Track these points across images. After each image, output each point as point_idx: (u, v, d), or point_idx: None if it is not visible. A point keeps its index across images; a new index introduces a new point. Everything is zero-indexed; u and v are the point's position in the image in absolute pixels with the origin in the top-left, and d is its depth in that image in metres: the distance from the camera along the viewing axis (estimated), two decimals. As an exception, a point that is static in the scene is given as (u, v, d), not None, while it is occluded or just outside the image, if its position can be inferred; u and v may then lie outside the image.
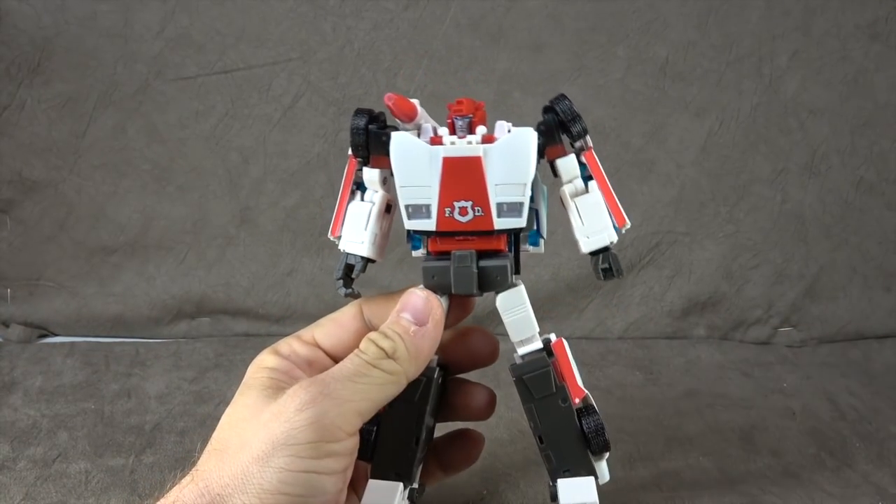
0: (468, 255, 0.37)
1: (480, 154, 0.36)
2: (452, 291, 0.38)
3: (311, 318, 0.43)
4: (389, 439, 0.40)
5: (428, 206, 0.37)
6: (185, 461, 0.54)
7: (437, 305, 0.38)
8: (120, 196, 0.78)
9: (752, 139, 0.81)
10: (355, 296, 0.40)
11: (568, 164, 0.39)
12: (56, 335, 0.77)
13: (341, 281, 0.40)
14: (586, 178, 0.39)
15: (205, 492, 0.33)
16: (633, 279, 0.81)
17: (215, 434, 0.36)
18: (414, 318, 0.37)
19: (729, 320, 0.81)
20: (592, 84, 0.80)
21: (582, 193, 0.39)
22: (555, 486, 0.39)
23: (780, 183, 0.82)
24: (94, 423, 0.60)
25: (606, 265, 0.39)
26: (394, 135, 0.37)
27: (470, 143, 0.36)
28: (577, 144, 0.40)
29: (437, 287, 0.38)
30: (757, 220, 0.82)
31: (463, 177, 0.36)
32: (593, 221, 0.39)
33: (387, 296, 0.41)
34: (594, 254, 0.39)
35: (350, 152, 0.40)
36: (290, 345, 0.40)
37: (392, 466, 0.39)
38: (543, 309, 0.79)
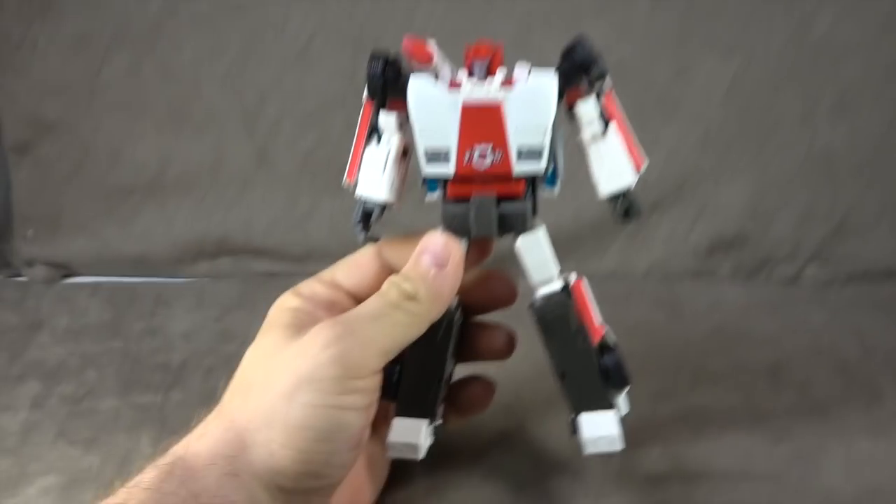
0: (487, 199, 0.37)
1: (500, 99, 0.36)
2: (472, 234, 0.38)
3: (331, 258, 0.43)
4: (413, 378, 0.40)
5: (447, 151, 0.37)
6: (212, 398, 0.53)
7: (456, 248, 0.38)
8: (137, 136, 0.77)
9: (782, 77, 0.79)
10: (375, 240, 0.41)
11: (587, 108, 0.39)
12: (80, 275, 0.78)
13: (360, 226, 0.39)
14: (605, 120, 0.39)
15: (230, 426, 0.34)
16: (657, 218, 0.80)
17: (238, 372, 0.37)
18: (434, 260, 0.37)
19: (755, 259, 0.80)
20: (616, 21, 0.78)
21: (600, 137, 0.39)
22: (575, 421, 0.40)
23: (810, 122, 0.80)
24: (121, 361, 0.60)
25: (626, 207, 0.39)
26: (411, 80, 0.37)
27: (490, 87, 0.37)
28: (596, 86, 0.40)
29: (456, 231, 0.38)
30: (785, 160, 0.80)
31: (482, 122, 0.36)
32: (612, 165, 0.39)
33: (404, 237, 0.41)
34: (613, 198, 0.39)
35: (365, 96, 0.39)
36: (311, 286, 0.40)
37: (416, 404, 0.40)
38: (566, 249, 0.78)
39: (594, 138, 0.39)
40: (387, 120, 0.39)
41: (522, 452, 0.49)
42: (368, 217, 0.39)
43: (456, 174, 0.37)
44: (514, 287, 0.43)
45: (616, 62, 0.77)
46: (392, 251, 0.41)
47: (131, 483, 0.32)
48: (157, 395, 0.55)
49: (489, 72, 0.37)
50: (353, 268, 0.42)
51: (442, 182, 0.39)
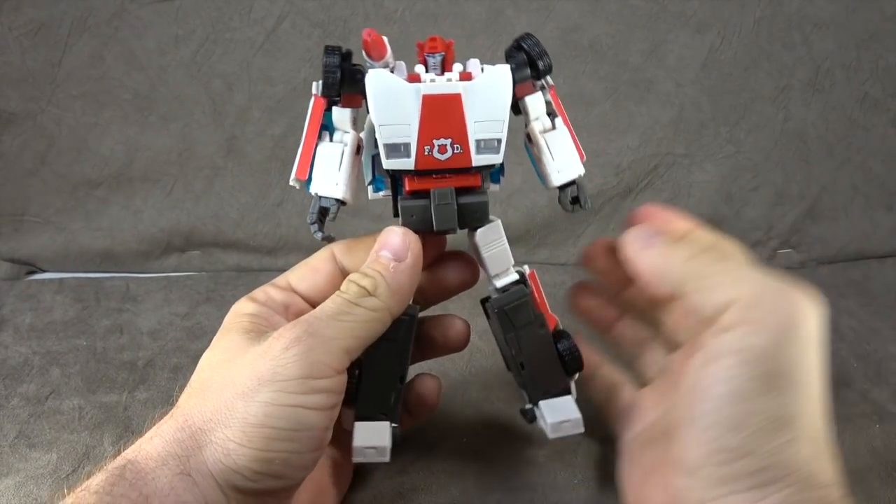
0: (448, 191, 0.37)
1: (460, 91, 0.36)
2: (434, 228, 0.38)
3: (302, 248, 0.43)
4: (373, 379, 0.39)
5: (407, 145, 0.37)
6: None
7: (414, 241, 0.38)
8: (101, 127, 0.76)
9: (755, 55, 0.78)
10: (331, 239, 0.40)
11: (536, 101, 0.40)
12: (44, 271, 0.76)
13: (316, 225, 0.39)
14: (550, 115, 0.40)
15: (184, 426, 0.33)
16: (631, 203, 0.79)
17: (195, 376, 0.36)
18: (393, 254, 0.37)
19: (728, 243, 0.80)
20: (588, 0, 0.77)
21: (549, 130, 0.40)
22: (533, 409, 0.42)
23: (783, 101, 0.79)
24: (86, 359, 0.59)
25: (575, 195, 0.40)
26: (371, 72, 0.37)
27: (449, 80, 0.37)
28: (541, 82, 0.41)
29: (415, 225, 0.38)
30: (758, 140, 0.80)
31: (443, 114, 0.36)
32: (563, 156, 0.40)
33: (358, 239, 0.41)
34: (563, 187, 0.40)
35: (315, 92, 0.39)
36: (266, 292, 0.40)
37: (378, 406, 0.40)
38: (540, 235, 0.78)
39: (543, 131, 0.40)
40: (340, 116, 0.39)
41: (489, 451, 0.49)
42: (324, 215, 0.39)
43: (416, 168, 0.37)
44: (477, 266, 0.43)
45: (588, 42, 0.77)
46: (345, 252, 0.41)
47: (80, 487, 0.32)
48: (121, 395, 0.54)
49: (444, 67, 0.38)
50: (308, 271, 0.41)
51: (392, 179, 0.40)
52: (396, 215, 0.40)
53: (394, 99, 0.36)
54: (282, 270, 0.43)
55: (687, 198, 0.79)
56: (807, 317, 0.33)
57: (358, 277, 0.36)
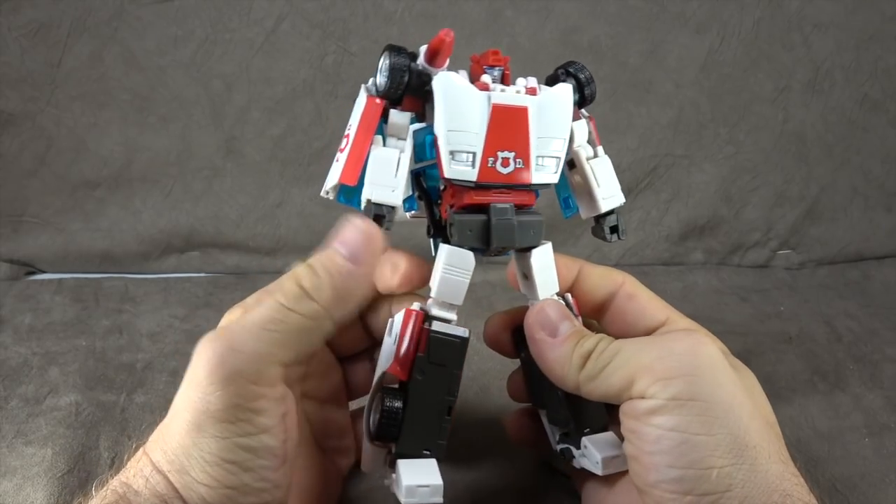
0: (509, 207, 0.36)
1: (528, 104, 0.35)
2: (493, 245, 0.35)
3: (302, 249, 0.41)
4: (418, 413, 0.35)
5: (473, 154, 0.35)
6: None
7: (376, 239, 0.34)
8: (100, 128, 0.76)
9: (754, 56, 0.78)
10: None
11: (581, 128, 0.40)
12: (43, 272, 0.76)
13: None
14: (591, 143, 0.40)
15: (157, 469, 0.31)
16: (630, 204, 0.79)
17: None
18: (349, 253, 0.33)
19: (727, 244, 0.80)
20: (588, 0, 0.77)
21: (592, 157, 0.39)
22: (570, 448, 0.39)
23: (782, 101, 0.79)
24: (85, 358, 0.59)
25: (614, 224, 0.39)
26: (442, 73, 0.35)
27: (518, 91, 0.36)
28: (585, 109, 0.40)
29: (470, 242, 0.36)
30: (757, 141, 0.80)
31: (510, 126, 0.35)
32: (608, 184, 0.39)
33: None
34: (601, 216, 0.39)
35: (370, 93, 0.36)
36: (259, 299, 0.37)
37: (421, 442, 0.35)
38: (546, 228, 0.78)
39: (588, 158, 0.39)
40: (400, 120, 0.36)
41: (489, 450, 0.49)
42: (379, 221, 0.35)
43: (478, 179, 0.35)
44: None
45: (588, 43, 0.77)
46: None
47: None
48: (119, 396, 0.54)
49: (502, 82, 0.36)
50: None
51: (426, 197, 0.38)
52: (431, 236, 0.39)
53: (465, 104, 0.35)
54: (281, 272, 0.40)
55: (686, 198, 0.79)
56: (697, 348, 0.33)
57: (301, 274, 0.32)
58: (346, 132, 0.36)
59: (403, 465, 0.34)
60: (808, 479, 0.32)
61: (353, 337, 0.40)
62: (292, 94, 0.77)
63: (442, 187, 0.38)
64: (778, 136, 0.80)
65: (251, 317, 0.32)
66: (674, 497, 0.31)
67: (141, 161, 0.77)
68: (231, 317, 0.36)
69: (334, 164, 0.37)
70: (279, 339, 0.31)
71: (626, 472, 0.36)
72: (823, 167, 0.80)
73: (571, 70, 0.38)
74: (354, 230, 0.34)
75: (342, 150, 0.36)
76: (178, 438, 0.30)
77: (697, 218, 0.79)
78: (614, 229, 0.39)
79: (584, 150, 0.39)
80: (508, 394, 0.44)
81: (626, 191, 0.77)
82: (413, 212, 0.39)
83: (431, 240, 0.40)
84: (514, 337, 0.41)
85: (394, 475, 0.35)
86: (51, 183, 0.76)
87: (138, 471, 0.31)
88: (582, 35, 0.77)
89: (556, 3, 0.76)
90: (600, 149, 0.40)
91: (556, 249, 0.80)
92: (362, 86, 0.37)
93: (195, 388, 0.30)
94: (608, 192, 0.39)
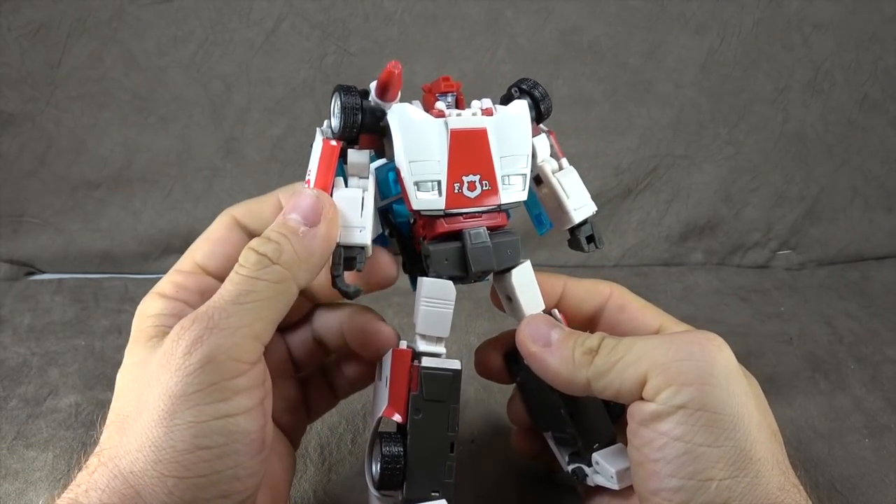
0: (481, 231, 0.35)
1: (486, 126, 0.35)
2: (472, 271, 0.35)
3: None
4: (421, 453, 0.34)
5: (437, 182, 0.34)
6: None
7: (329, 204, 0.33)
8: (100, 128, 0.76)
9: (754, 56, 0.78)
10: (359, 292, 0.35)
11: (542, 143, 0.39)
12: (43, 272, 0.76)
13: (341, 277, 0.34)
14: (553, 157, 0.40)
15: (115, 472, 0.29)
16: (629, 204, 0.79)
17: (112, 405, 0.33)
18: (304, 217, 0.32)
19: (727, 244, 0.80)
20: (588, 0, 0.77)
21: (558, 170, 0.39)
22: (581, 467, 0.38)
23: (782, 102, 0.79)
24: (84, 359, 0.59)
25: (590, 233, 0.39)
26: (395, 106, 0.35)
27: (474, 114, 0.35)
28: (543, 124, 0.40)
29: (448, 270, 0.35)
30: (757, 141, 0.80)
31: (471, 149, 0.35)
32: (577, 195, 0.38)
33: (260, 198, 0.38)
34: (576, 227, 0.39)
35: (325, 136, 0.36)
36: (174, 281, 0.36)
37: (429, 484, 0.34)
38: (537, 240, 0.78)
39: (554, 171, 0.39)
40: (359, 159, 0.36)
41: (488, 450, 0.49)
42: (350, 266, 0.34)
43: (446, 207, 0.34)
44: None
45: (588, 43, 0.77)
46: (250, 216, 0.37)
47: None
48: (120, 395, 0.54)
49: (457, 105, 0.36)
50: (210, 245, 0.37)
51: (397, 234, 0.38)
52: (407, 271, 0.38)
53: (422, 134, 0.34)
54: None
55: (686, 199, 0.79)
56: (714, 355, 0.32)
57: (258, 243, 0.32)
58: (307, 178, 0.35)
59: None
60: (808, 479, 0.33)
61: (295, 305, 0.37)
62: (292, 95, 0.77)
63: (411, 221, 0.38)
64: (778, 136, 0.80)
65: (222, 293, 0.31)
66: None
67: (141, 161, 0.77)
68: (145, 307, 0.35)
69: None
70: (253, 311, 0.31)
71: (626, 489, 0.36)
72: (823, 167, 0.80)
73: (525, 87, 0.38)
74: (305, 196, 0.33)
75: None
76: (145, 433, 0.29)
77: (697, 218, 0.79)
78: (590, 238, 0.39)
79: (548, 164, 0.39)
80: (510, 419, 0.43)
81: (626, 191, 0.78)
82: (387, 248, 0.38)
83: (408, 276, 0.39)
84: (506, 362, 0.41)
85: None
86: (51, 183, 0.76)
87: (87, 485, 0.30)
88: (582, 35, 0.77)
89: (556, 3, 0.76)
90: (564, 161, 0.39)
91: (544, 263, 0.81)
92: (317, 129, 0.36)
93: (171, 372, 0.29)
94: (579, 203, 0.38)
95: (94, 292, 0.70)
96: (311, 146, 0.36)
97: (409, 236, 0.38)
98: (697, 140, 0.79)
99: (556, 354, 0.35)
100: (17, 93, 0.74)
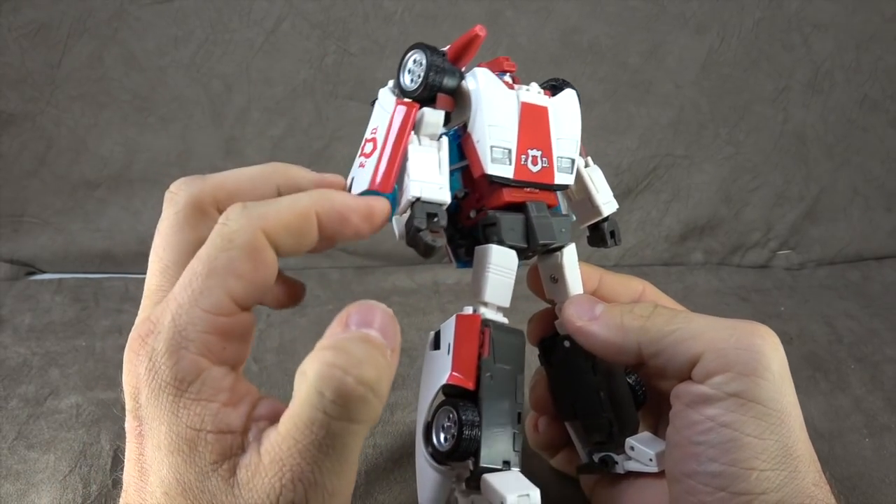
0: (543, 204, 0.36)
1: (548, 105, 0.36)
2: (537, 242, 0.35)
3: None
4: (495, 421, 0.33)
5: (509, 151, 0.34)
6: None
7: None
8: (100, 128, 0.76)
9: (754, 56, 0.78)
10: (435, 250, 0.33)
11: None
12: (43, 272, 0.76)
13: (426, 231, 0.32)
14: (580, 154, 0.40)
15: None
16: (630, 204, 0.79)
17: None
18: (388, 343, 0.27)
19: (727, 244, 0.80)
20: (588, 0, 0.77)
21: (586, 167, 0.40)
22: (612, 455, 0.38)
23: (782, 102, 0.79)
24: (85, 359, 0.59)
25: (612, 229, 0.40)
26: (480, 70, 0.35)
27: (539, 92, 0.36)
28: None
29: (512, 240, 0.34)
30: (757, 141, 0.80)
31: (536, 124, 0.35)
32: (605, 190, 0.39)
33: (239, 176, 0.33)
34: (597, 223, 0.40)
35: (405, 94, 0.34)
36: (217, 348, 0.28)
37: (501, 454, 0.33)
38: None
39: (584, 167, 0.40)
40: (435, 118, 0.34)
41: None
42: (432, 221, 0.33)
43: (514, 176, 0.34)
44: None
45: (588, 43, 0.77)
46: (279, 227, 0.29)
47: None
48: (119, 392, 0.54)
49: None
50: (243, 284, 0.28)
51: (451, 205, 0.35)
52: (450, 244, 0.38)
53: (501, 100, 0.34)
54: (282, 270, 0.36)
55: (686, 199, 0.79)
56: (772, 350, 0.32)
57: (359, 378, 0.25)
58: (371, 136, 0.34)
59: (494, 479, 0.32)
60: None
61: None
62: (292, 95, 0.77)
63: (461, 195, 0.37)
64: (778, 136, 0.80)
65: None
66: (708, 490, 0.31)
67: (141, 161, 0.77)
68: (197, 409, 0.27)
69: (358, 171, 0.34)
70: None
71: (639, 476, 0.36)
72: (823, 167, 0.80)
73: (557, 85, 0.39)
74: (382, 314, 0.28)
75: (368, 156, 0.34)
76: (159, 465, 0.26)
77: (697, 218, 0.79)
78: (612, 234, 0.40)
79: (579, 160, 0.40)
80: (532, 406, 0.43)
81: (626, 191, 0.78)
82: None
83: (450, 248, 0.38)
84: (541, 348, 0.41)
85: (473, 496, 0.33)
86: (51, 183, 0.76)
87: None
88: (582, 35, 0.77)
89: (556, 3, 0.76)
90: (589, 159, 0.40)
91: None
92: (383, 90, 0.35)
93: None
94: (606, 198, 0.39)
95: (94, 292, 0.70)
96: (373, 105, 0.35)
97: (455, 210, 0.37)
98: (697, 140, 0.79)
99: (603, 321, 0.35)
100: (17, 93, 0.74)
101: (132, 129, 0.76)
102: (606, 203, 0.39)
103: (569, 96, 0.37)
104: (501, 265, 0.34)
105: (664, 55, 0.78)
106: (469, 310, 0.35)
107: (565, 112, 0.36)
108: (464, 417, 0.32)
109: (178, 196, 0.31)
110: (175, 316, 0.26)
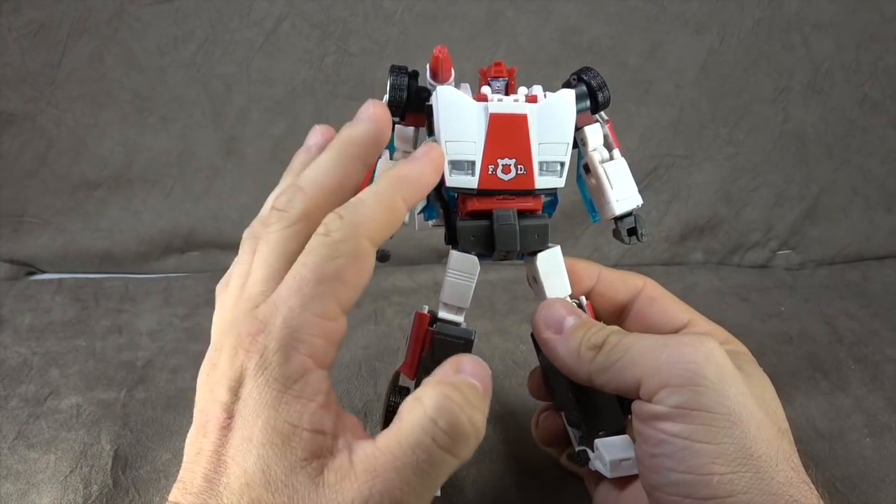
0: (510, 212, 0.36)
1: (527, 112, 0.36)
2: (496, 249, 0.37)
3: None
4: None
5: (472, 163, 0.36)
6: (177, 399, 0.53)
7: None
8: (101, 128, 0.76)
9: (754, 56, 0.78)
10: (386, 256, 0.36)
11: (594, 132, 0.40)
12: (43, 272, 0.76)
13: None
14: (607, 147, 0.40)
15: None
16: (629, 204, 0.79)
17: None
18: (483, 388, 0.31)
19: (727, 244, 0.80)
20: (588, 0, 0.77)
21: (607, 160, 0.40)
22: (585, 450, 0.39)
23: (782, 102, 0.79)
24: (85, 359, 0.59)
25: (632, 226, 0.39)
26: (440, 88, 0.36)
27: (516, 100, 0.36)
28: (599, 115, 0.41)
29: (474, 247, 0.37)
30: (757, 141, 0.80)
31: (508, 134, 0.36)
32: (622, 186, 0.39)
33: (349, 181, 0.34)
34: (619, 218, 0.39)
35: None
36: (323, 350, 0.30)
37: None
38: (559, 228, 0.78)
39: (602, 161, 0.39)
40: (404, 133, 0.39)
41: (489, 448, 0.49)
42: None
43: (479, 187, 0.36)
44: None
45: (588, 43, 0.77)
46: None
47: None
48: (119, 392, 0.54)
49: (507, 92, 0.37)
50: (350, 291, 0.31)
51: (445, 207, 0.39)
52: (448, 243, 0.39)
53: (461, 115, 0.36)
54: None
55: (686, 199, 0.79)
56: (705, 358, 0.33)
57: (471, 418, 0.28)
58: None
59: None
60: (809, 479, 0.32)
61: None
62: (292, 94, 0.77)
63: (456, 196, 0.39)
64: (778, 136, 0.80)
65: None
66: (676, 500, 0.31)
67: (141, 161, 0.77)
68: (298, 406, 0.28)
69: None
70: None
71: (636, 476, 0.36)
72: (823, 167, 0.80)
73: (585, 77, 0.39)
74: (479, 366, 0.31)
75: None
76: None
77: (697, 218, 0.79)
78: (632, 231, 0.39)
79: (598, 154, 0.40)
80: (530, 393, 0.44)
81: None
82: (433, 220, 0.40)
83: (450, 247, 0.40)
84: (534, 337, 0.41)
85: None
86: (51, 183, 0.76)
87: None
88: (582, 35, 0.77)
89: (556, 4, 0.76)
90: (616, 152, 0.40)
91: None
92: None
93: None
94: (622, 195, 0.39)
95: (94, 292, 0.70)
96: (353, 103, 0.36)
97: (452, 210, 0.39)
98: (697, 140, 0.79)
99: (565, 344, 0.36)
100: (17, 93, 0.74)
101: (132, 129, 0.76)
102: (620, 200, 0.39)
103: (560, 98, 0.37)
104: (459, 269, 0.37)
105: (664, 55, 0.78)
106: (425, 308, 0.38)
107: (553, 115, 0.37)
108: (391, 401, 0.37)
109: (289, 213, 0.32)
110: (287, 318, 0.28)
